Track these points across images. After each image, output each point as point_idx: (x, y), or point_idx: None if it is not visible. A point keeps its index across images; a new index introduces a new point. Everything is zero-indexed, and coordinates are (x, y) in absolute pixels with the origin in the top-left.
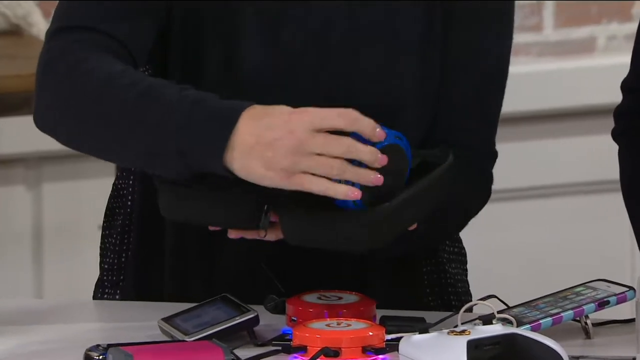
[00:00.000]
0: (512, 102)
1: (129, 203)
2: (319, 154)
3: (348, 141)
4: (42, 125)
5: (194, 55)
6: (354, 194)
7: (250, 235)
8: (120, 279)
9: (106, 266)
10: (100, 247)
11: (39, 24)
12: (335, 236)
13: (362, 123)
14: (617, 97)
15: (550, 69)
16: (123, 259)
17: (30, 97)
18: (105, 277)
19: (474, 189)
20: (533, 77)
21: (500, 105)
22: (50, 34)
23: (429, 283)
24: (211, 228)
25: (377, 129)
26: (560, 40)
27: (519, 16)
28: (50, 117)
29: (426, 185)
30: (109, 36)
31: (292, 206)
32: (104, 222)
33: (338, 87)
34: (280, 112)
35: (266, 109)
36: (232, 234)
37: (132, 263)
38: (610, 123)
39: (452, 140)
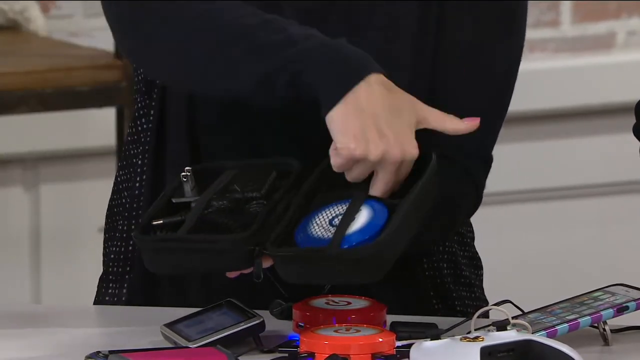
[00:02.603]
0: (528, 100)
1: (136, 191)
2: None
3: None
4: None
5: None
6: None
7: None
8: (127, 270)
9: (113, 255)
10: (105, 236)
11: (37, 20)
12: (329, 275)
13: None
14: (637, 94)
15: (568, 65)
16: (130, 247)
17: (27, 96)
18: (110, 269)
19: (458, 190)
20: (550, 74)
21: (504, 109)
22: None
23: (432, 286)
24: None
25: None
26: (578, 35)
27: (536, 11)
28: (159, 49)
29: (414, 201)
30: None
31: (281, 249)
32: (109, 205)
33: None
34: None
35: (394, 87)
36: (231, 275)
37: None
38: (630, 122)
39: (442, 140)
